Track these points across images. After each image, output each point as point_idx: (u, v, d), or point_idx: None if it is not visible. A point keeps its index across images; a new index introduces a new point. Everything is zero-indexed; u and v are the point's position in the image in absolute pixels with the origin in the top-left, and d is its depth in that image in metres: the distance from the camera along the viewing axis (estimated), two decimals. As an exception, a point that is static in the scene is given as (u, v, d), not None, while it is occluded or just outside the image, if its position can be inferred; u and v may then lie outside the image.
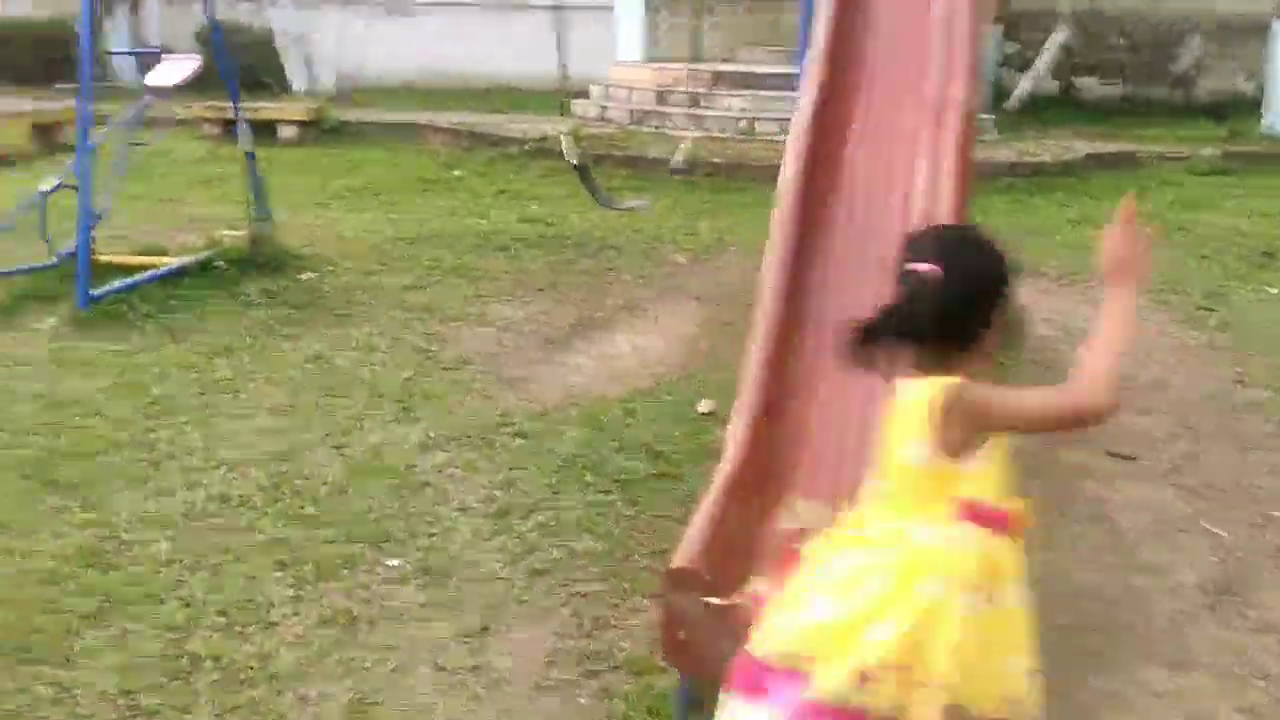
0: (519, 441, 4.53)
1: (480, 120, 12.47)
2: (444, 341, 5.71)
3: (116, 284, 6.10)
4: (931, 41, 4.24)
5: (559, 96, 13.49)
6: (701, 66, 13.15)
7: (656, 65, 13.36)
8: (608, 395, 5.04)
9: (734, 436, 3.08)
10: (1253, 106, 12.91)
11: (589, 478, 4.19)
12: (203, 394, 4.97)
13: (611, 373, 5.36)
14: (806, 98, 3.93)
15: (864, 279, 3.49)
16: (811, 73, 3.96)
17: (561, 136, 5.93)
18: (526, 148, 10.90)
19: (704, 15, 14.34)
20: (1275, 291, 6.72)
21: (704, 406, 4.81)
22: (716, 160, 10.54)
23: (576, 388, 5.16)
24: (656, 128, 12.27)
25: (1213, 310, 6.35)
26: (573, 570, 3.56)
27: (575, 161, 5.78)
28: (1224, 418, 4.84)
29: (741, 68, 12.84)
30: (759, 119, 11.86)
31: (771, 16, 14.25)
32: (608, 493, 4.08)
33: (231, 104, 7.54)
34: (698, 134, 12.01)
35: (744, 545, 2.73)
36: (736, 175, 10.17)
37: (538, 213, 8.73)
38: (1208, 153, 10.64)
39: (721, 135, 11.94)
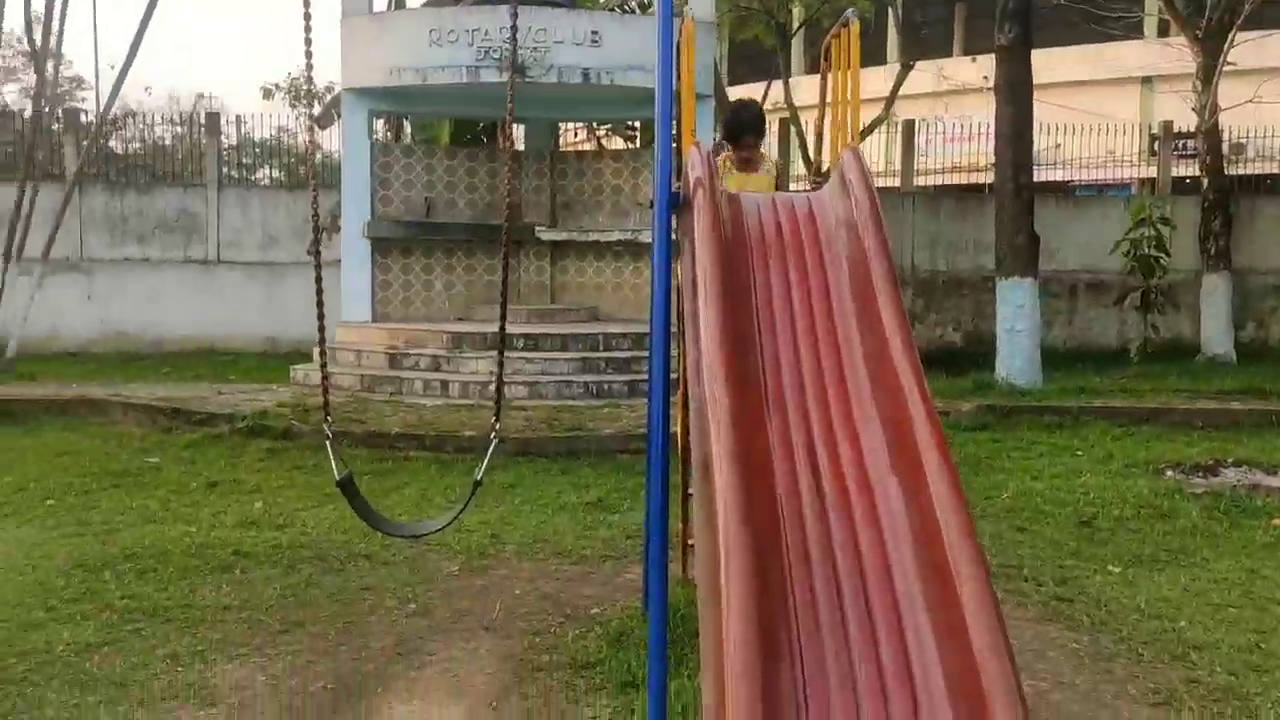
0: None
1: (181, 393, 10.67)
2: (147, 741, 3.96)
3: None
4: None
5: (273, 358, 11.94)
6: (438, 326, 12.07)
7: (389, 326, 12.16)
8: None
9: None
10: (970, 358, 13.20)
11: None
12: None
13: (403, 775, 3.80)
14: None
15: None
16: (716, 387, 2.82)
17: (329, 447, 4.50)
18: (241, 425, 9.22)
19: (437, 272, 13.41)
20: (1118, 571, 6.15)
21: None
22: (469, 433, 9.30)
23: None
24: (392, 394, 10.97)
25: (1071, 600, 5.64)
26: None
27: (339, 476, 4.35)
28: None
29: (482, 327, 11.87)
30: (508, 383, 10.81)
31: (509, 274, 13.52)
32: None
33: None
34: (439, 401, 10.80)
35: None
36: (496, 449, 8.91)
37: (262, 513, 7.09)
38: (966, 408, 10.56)
39: (466, 402, 10.80)
